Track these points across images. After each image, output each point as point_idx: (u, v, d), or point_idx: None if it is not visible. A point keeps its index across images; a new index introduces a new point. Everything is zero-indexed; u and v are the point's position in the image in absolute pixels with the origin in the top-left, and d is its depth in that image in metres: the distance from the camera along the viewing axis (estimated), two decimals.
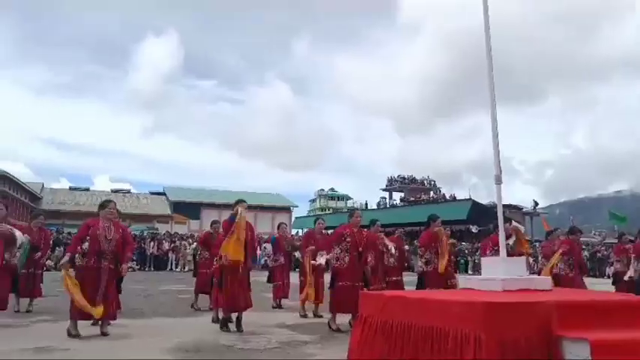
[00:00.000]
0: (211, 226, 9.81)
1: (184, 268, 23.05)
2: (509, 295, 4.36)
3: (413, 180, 52.12)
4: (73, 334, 6.08)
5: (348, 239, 7.29)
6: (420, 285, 7.72)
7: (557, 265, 8.29)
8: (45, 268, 9.21)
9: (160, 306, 9.77)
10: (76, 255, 6.29)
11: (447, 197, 46.35)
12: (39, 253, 8.64)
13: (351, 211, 7.90)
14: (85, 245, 6.28)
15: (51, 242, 11.40)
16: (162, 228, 47.47)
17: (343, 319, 7.12)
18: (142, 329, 6.89)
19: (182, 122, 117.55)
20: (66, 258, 6.35)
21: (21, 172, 58.97)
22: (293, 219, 57.33)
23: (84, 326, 6.28)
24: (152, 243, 24.00)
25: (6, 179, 41.28)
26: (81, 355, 5.24)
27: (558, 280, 7.53)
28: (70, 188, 56.38)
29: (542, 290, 4.74)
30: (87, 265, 6.23)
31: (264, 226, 54.64)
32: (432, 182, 52.91)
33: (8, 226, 6.76)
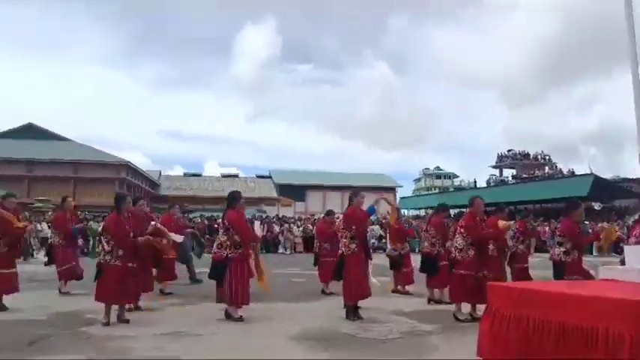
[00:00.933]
0: (327, 215, 9.91)
1: (294, 249, 23.63)
2: None
3: (525, 155, 49.22)
4: (235, 317, 6.53)
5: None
6: (558, 275, 7.19)
7: None
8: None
9: (276, 290, 9.93)
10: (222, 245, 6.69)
11: (565, 172, 43.43)
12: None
13: (472, 200, 7.48)
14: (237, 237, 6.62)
15: None
16: (270, 211, 49.16)
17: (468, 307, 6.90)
18: (264, 313, 7.08)
19: (283, 106, 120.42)
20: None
21: (139, 160, 63.58)
22: (398, 199, 56.84)
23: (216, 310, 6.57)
24: (262, 226, 24.79)
25: (129, 168, 44.74)
26: (210, 341, 5.47)
27: None
28: (184, 175, 60.02)
29: None
30: (242, 258, 6.67)
31: None
32: (547, 157, 49.62)
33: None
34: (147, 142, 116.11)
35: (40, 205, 30.66)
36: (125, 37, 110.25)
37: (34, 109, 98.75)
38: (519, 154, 48.49)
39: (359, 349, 5.21)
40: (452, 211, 11.12)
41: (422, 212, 49.46)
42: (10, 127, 46.38)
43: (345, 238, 6.94)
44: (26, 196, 38.68)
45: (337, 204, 51.47)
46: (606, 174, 35.70)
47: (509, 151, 49.68)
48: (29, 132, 44.89)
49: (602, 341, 3.24)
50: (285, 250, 23.96)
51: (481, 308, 5.33)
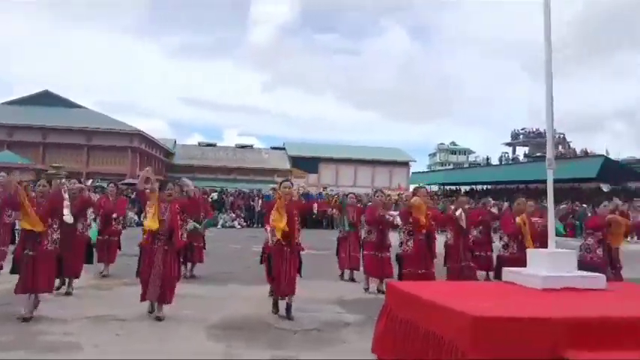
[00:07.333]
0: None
1: None
2: (540, 296, 3.89)
3: (539, 134, 48.27)
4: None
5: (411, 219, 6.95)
6: (498, 271, 7.22)
7: None
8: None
9: (243, 271, 9.79)
10: None
11: (578, 153, 42.62)
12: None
13: (417, 189, 7.52)
14: None
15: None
16: None
17: None
18: (205, 301, 7.09)
19: (301, 76, 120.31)
20: None
21: (158, 128, 63.94)
22: (410, 174, 56.47)
23: None
24: (260, 201, 24.95)
25: (141, 137, 45.14)
26: (128, 328, 5.64)
27: None
28: (199, 144, 60.44)
29: (595, 290, 4.20)
30: None
31: (383, 182, 54.51)
32: (561, 136, 48.52)
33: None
34: (168, 109, 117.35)
35: (54, 171, 31.34)
36: (147, 4, 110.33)
37: (53, 75, 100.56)
38: (533, 132, 47.49)
39: (266, 340, 5.30)
40: (463, 188, 10.86)
41: (435, 187, 49.16)
42: (26, 93, 47.26)
43: None
44: (41, 162, 39.54)
45: (349, 177, 51.54)
46: (633, 151, 34.77)
47: (522, 128, 48.72)
48: (45, 98, 45.54)
49: (446, 355, 3.28)
50: None
51: None
